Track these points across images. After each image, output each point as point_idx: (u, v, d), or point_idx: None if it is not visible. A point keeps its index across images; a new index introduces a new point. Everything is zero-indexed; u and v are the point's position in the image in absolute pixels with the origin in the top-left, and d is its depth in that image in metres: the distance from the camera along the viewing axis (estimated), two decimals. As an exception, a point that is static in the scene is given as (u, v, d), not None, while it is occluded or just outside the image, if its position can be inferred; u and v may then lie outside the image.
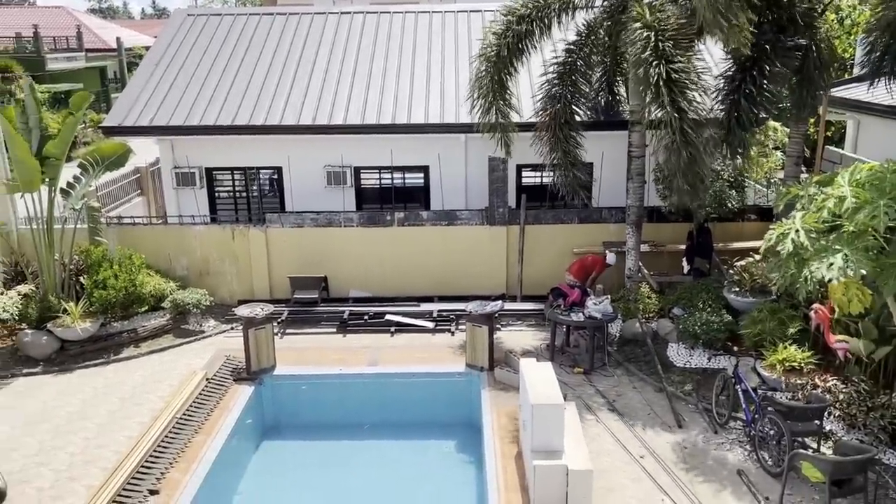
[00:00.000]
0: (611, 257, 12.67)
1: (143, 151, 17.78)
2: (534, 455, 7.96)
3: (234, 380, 10.96)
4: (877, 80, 10.45)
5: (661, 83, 9.99)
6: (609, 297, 11.85)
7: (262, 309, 11.02)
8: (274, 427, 10.89)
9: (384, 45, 16.54)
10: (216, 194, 15.40)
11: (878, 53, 10.20)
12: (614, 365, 11.59)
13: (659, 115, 10.22)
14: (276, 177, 15.28)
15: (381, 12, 17.77)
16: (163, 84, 15.40)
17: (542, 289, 13.12)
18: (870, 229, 7.37)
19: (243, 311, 10.97)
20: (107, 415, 10.29)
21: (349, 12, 17.89)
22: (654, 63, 10.04)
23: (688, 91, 10.16)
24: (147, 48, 23.40)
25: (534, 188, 15.01)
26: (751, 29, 9.67)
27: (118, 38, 45.38)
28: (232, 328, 13.06)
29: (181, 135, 14.62)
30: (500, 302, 12.18)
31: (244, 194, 15.42)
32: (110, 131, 14.77)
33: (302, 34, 16.95)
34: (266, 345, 11.05)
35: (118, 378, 11.40)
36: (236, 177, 15.33)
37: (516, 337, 12.64)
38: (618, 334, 12.33)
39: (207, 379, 10.85)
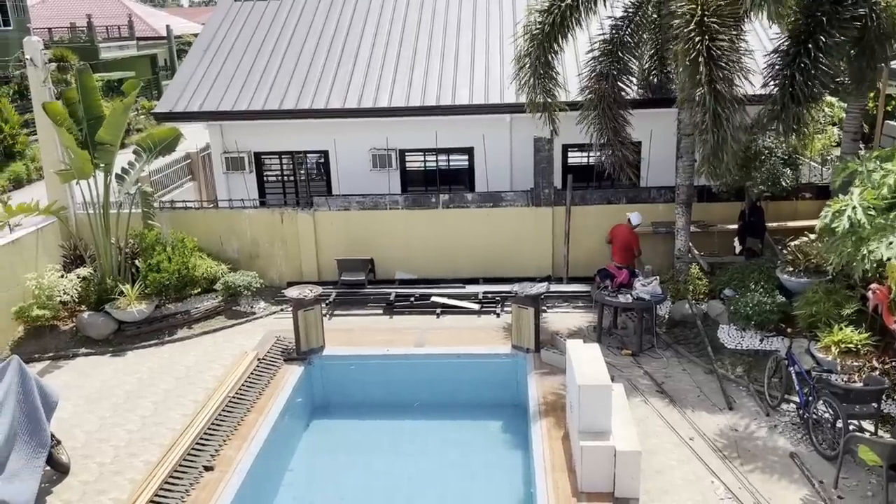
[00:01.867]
0: (634, 217, 12.40)
1: (194, 137, 18.14)
2: (581, 436, 7.93)
3: (285, 360, 11.17)
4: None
5: (700, 60, 9.73)
6: (658, 278, 11.68)
7: (311, 290, 11.18)
8: (323, 406, 11.09)
9: (428, 25, 16.49)
10: (265, 178, 15.65)
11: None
12: (663, 347, 11.44)
13: (695, 93, 9.97)
14: (322, 160, 15.44)
15: (425, -7, 17.69)
16: (211, 70, 15.65)
17: (589, 270, 12.99)
18: (933, 206, 7.10)
19: (292, 292, 11.15)
20: (162, 393, 10.61)
21: (393, -6, 17.86)
22: (697, 39, 9.79)
23: (727, 71, 9.88)
24: (196, 35, 23.78)
25: (580, 168, 14.85)
26: (803, 0, 9.32)
27: (168, 27, 46.28)
28: (282, 309, 13.30)
29: (230, 120, 14.87)
30: (545, 283, 12.12)
31: (292, 178, 15.63)
32: (162, 117, 15.11)
33: (346, 18, 17.01)
34: (315, 326, 11.22)
35: (173, 358, 11.73)
36: (284, 161, 15.54)
37: (563, 319, 12.58)
38: (666, 316, 12.16)
39: (259, 359, 11.08)
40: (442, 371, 11.11)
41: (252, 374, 10.71)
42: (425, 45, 15.86)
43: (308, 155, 15.50)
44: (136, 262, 13.30)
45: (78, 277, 12.91)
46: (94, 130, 12.71)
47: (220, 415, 9.62)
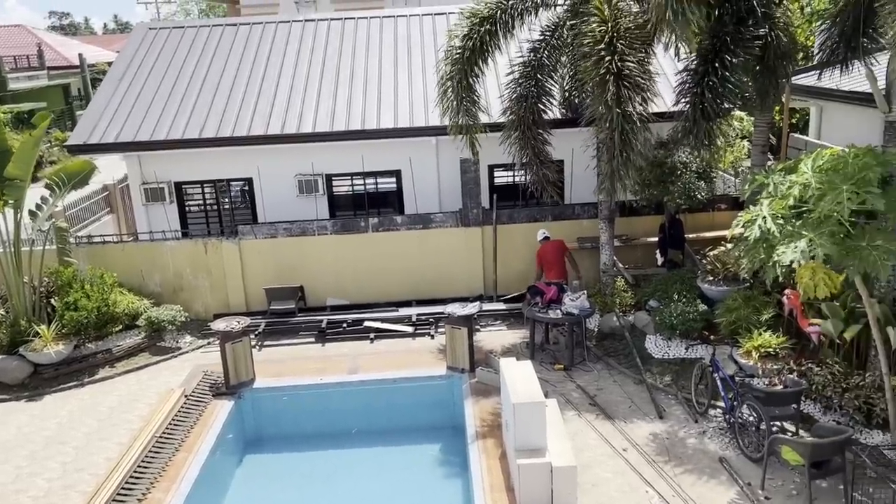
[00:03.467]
0: (539, 233, 12.77)
1: (111, 168, 17.56)
2: (517, 454, 7.98)
3: (214, 395, 10.85)
4: (831, 68, 10.61)
5: (609, 79, 10.08)
6: (585, 292, 11.93)
7: (239, 322, 10.92)
8: (256, 441, 10.80)
9: (350, 50, 16.50)
10: (187, 208, 15.24)
11: (832, 41, 10.38)
12: (594, 360, 11.66)
13: (601, 110, 10.33)
14: (246, 188, 15.16)
15: (346, 18, 17.73)
16: (127, 99, 15.21)
17: (520, 287, 13.17)
18: (835, 214, 7.50)
19: (219, 325, 10.87)
20: (84, 437, 10.13)
21: (314, 20, 17.83)
22: (607, 59, 10.14)
23: (634, 90, 10.26)
24: (110, 64, 23.11)
25: (506, 188, 15.06)
26: (709, 22, 9.76)
27: (80, 55, 44.75)
28: (209, 343, 12.94)
29: (148, 150, 14.45)
30: (477, 303, 12.22)
31: (215, 207, 15.28)
32: (76, 150, 14.55)
33: (267, 43, 16.85)
34: (244, 358, 10.95)
35: (94, 400, 11.23)
36: (206, 190, 15.19)
37: (496, 337, 12.68)
38: (596, 329, 12.41)
39: (186, 395, 10.73)
40: (378, 397, 11.00)
41: (179, 411, 10.35)
42: (348, 70, 15.85)
43: (231, 183, 15.20)
44: (52, 300, 12.72)
45: (-12, 320, 12.25)
46: (2, 165, 12.15)
47: (146, 456, 9.24)
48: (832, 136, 15.66)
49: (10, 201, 12.31)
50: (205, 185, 15.12)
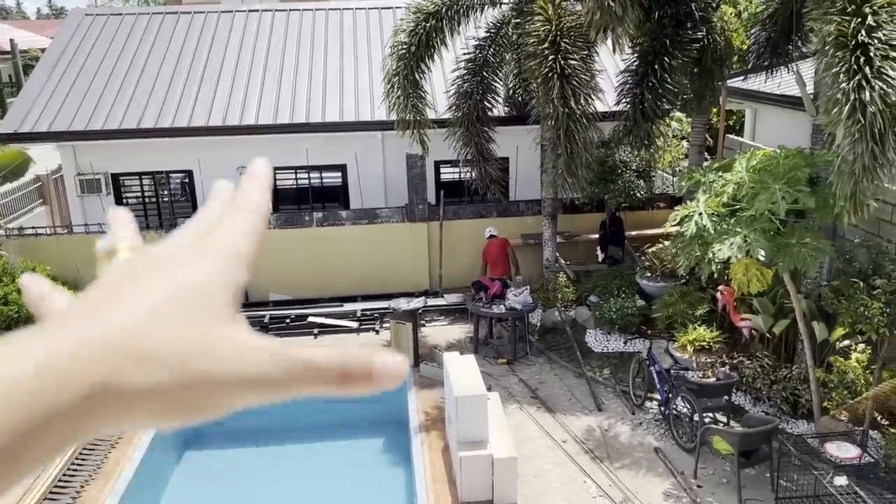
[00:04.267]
0: (486, 231, 12.99)
1: (44, 158, 16.96)
2: (459, 446, 8.07)
3: (152, 391, 10.60)
4: (767, 71, 11.02)
5: (553, 77, 10.27)
6: (528, 287, 12.10)
7: (178, 317, 10.68)
8: (195, 437, 10.59)
9: (295, 42, 16.31)
10: (125, 201, 14.84)
11: (760, 46, 10.79)
12: (536, 354, 11.85)
13: (547, 109, 10.51)
14: (186, 180, 14.85)
15: (291, 10, 17.51)
16: (62, 87, 14.71)
17: (465, 282, 13.26)
18: (767, 212, 7.81)
19: (158, 319, 10.60)
20: (14, 436, 9.78)
21: (257, 10, 17.55)
22: (551, 57, 10.32)
23: (578, 88, 10.47)
24: (44, 50, 22.28)
25: (453, 184, 15.14)
26: (646, 25, 10.02)
27: (12, 40, 42.98)
28: (147, 338, 12.62)
29: (83, 140, 14.01)
30: (422, 298, 12.27)
31: (154, 200, 14.92)
32: (6, 138, 14.03)
33: (209, 33, 16.52)
34: (184, 353, 10.73)
35: (25, 397, 10.85)
36: (145, 182, 14.82)
37: (441, 332, 12.75)
38: (538, 324, 12.61)
39: (123, 392, 10.46)
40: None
41: (116, 408, 10.08)
42: (293, 62, 15.67)
43: (171, 175, 14.87)
44: (-20, 294, 12.23)
45: None
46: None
47: (79, 454, 9.00)
48: (765, 137, 16.24)
49: (-65, 191, 11.80)
50: (143, 176, 14.75)
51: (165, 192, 14.90)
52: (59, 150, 14.51)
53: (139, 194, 14.87)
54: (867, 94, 7.04)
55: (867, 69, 7.14)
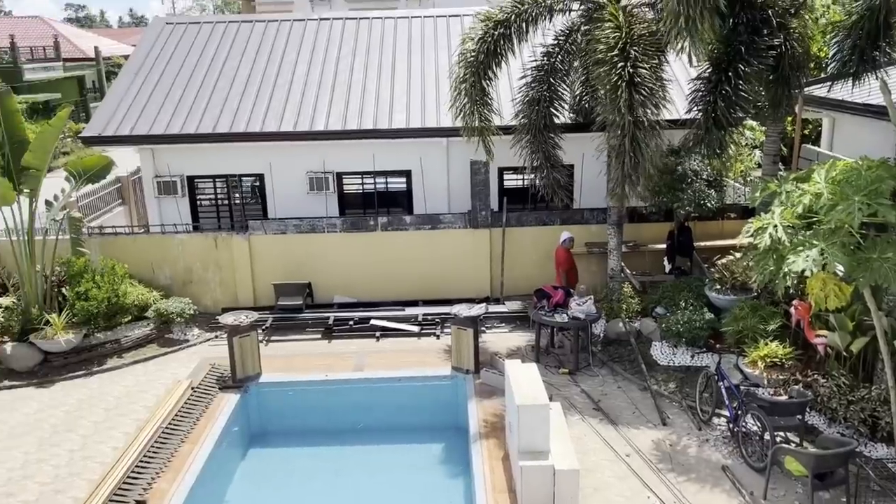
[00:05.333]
0: (563, 235, 12.83)
1: (125, 160, 17.67)
2: (520, 456, 8.01)
3: (220, 388, 10.92)
4: (845, 80, 10.59)
5: (621, 85, 10.11)
6: (592, 297, 11.94)
7: (247, 316, 10.99)
8: (261, 434, 10.86)
9: (364, 50, 16.57)
10: (198, 202, 15.34)
11: (845, 53, 10.38)
12: (599, 365, 11.67)
13: (613, 117, 10.35)
14: (258, 184, 15.24)
15: (361, 18, 17.81)
16: (142, 93, 15.33)
17: (527, 290, 13.19)
18: (846, 225, 7.50)
19: (227, 318, 10.94)
20: (91, 426, 10.22)
21: (328, 19, 17.91)
22: (620, 65, 10.17)
23: (646, 96, 10.28)
24: (126, 57, 23.27)
25: (516, 191, 15.09)
26: (722, 31, 9.77)
27: (96, 48, 45.08)
28: (216, 336, 13.02)
29: (162, 143, 14.55)
30: (484, 304, 12.25)
31: (226, 202, 15.37)
32: (91, 141, 14.70)
33: (282, 41, 16.95)
34: (251, 352, 11.02)
35: (102, 389, 11.32)
36: (218, 184, 15.28)
37: (502, 339, 12.71)
38: (602, 334, 12.42)
39: (192, 388, 10.81)
40: (382, 395, 11.04)
41: (186, 403, 10.43)
42: (362, 69, 15.92)
43: (243, 178, 15.29)
44: (64, 290, 12.83)
45: (0, 307, 12.36)
46: (18, 155, 12.28)
47: (152, 447, 9.32)
48: (844, 147, 15.63)
49: (26, 190, 12.43)
50: (217, 179, 15.22)
51: (237, 195, 15.33)
52: (138, 152, 15.11)
53: (212, 196, 15.34)
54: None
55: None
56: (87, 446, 9.70)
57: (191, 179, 15.11)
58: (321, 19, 17.85)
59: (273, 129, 14.33)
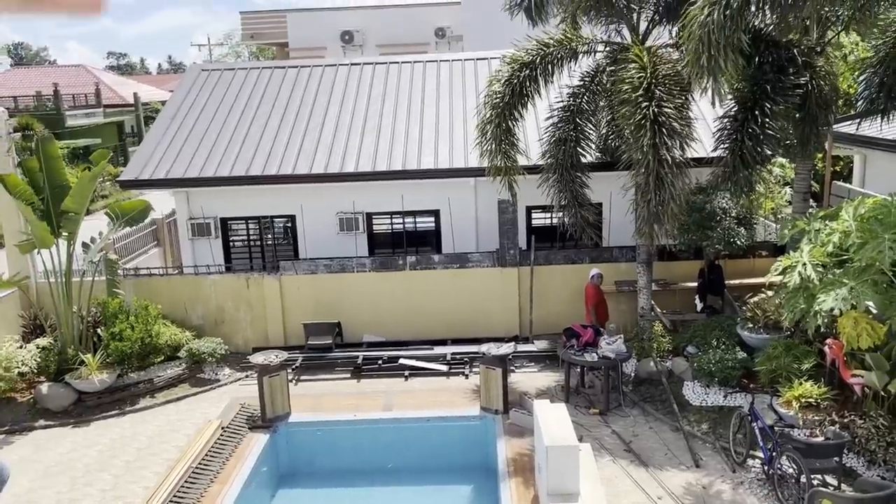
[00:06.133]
0: (592, 272, 12.80)
1: (160, 203, 18.14)
2: (549, 498, 7.91)
3: (250, 428, 10.99)
4: (873, 117, 10.53)
5: (645, 124, 10.18)
6: (622, 336, 11.85)
7: (277, 356, 11.10)
8: (290, 475, 10.87)
9: (393, 93, 16.92)
10: (231, 243, 15.66)
11: (872, 90, 10.35)
12: (630, 405, 11.53)
13: (638, 155, 10.39)
14: (289, 224, 15.52)
15: (391, 63, 18.22)
16: (178, 137, 15.80)
17: (556, 329, 13.14)
18: (877, 263, 7.41)
19: (258, 358, 11.05)
20: (123, 466, 10.34)
21: (359, 63, 18.36)
22: (644, 104, 10.24)
23: (671, 136, 10.32)
24: (163, 102, 24.05)
25: (544, 229, 15.14)
26: (748, 70, 9.81)
27: (135, 94, 46.59)
28: (247, 376, 13.14)
29: (196, 186, 14.94)
30: (512, 343, 12.21)
31: (258, 243, 15.65)
32: (128, 185, 15.13)
33: (314, 85, 17.39)
34: (280, 392, 11.10)
35: (135, 429, 11.47)
36: (251, 226, 15.59)
37: (531, 378, 12.63)
38: (633, 374, 12.28)
39: (223, 428, 10.89)
40: (411, 435, 11.00)
41: (216, 443, 10.50)
42: (391, 112, 16.24)
43: (275, 220, 15.59)
44: (99, 330, 13.11)
45: (37, 347, 12.66)
46: (58, 198, 12.69)
47: (182, 486, 9.37)
48: (876, 184, 15.44)
49: (66, 233, 12.81)
50: (249, 221, 15.53)
51: (269, 236, 15.61)
52: (173, 195, 15.53)
53: (245, 237, 15.64)
54: None
55: None
56: (118, 486, 9.81)
57: (224, 221, 15.44)
58: (352, 64, 18.31)
59: (304, 172, 14.64)
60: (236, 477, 9.68)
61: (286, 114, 16.40)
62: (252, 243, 15.68)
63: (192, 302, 14.28)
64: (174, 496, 9.15)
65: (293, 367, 13.14)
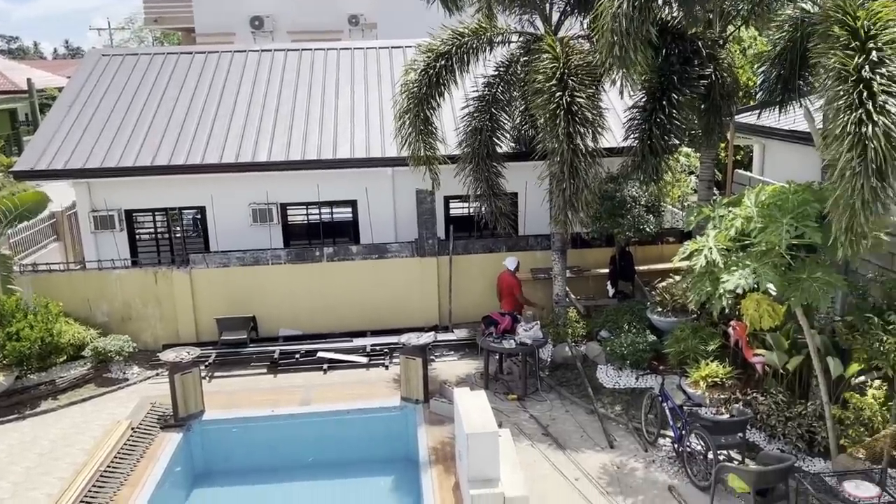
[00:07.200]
0: (509, 262, 12.95)
1: (59, 195, 17.16)
2: (470, 484, 7.98)
3: (161, 427, 10.60)
4: (771, 108, 11.07)
5: (559, 113, 10.36)
6: (539, 322, 12.06)
7: (189, 352, 10.73)
8: (205, 474, 10.55)
9: (307, 81, 16.57)
10: (137, 237, 14.98)
11: (771, 83, 10.88)
12: (547, 390, 11.76)
13: (553, 145, 10.59)
14: (199, 216, 14.98)
15: (303, 49, 17.82)
16: (78, 125, 14.97)
17: (475, 317, 13.24)
18: (776, 247, 7.80)
19: (168, 355, 10.66)
20: (23, 472, 9.76)
21: (270, 50, 17.87)
22: (558, 94, 10.42)
23: (584, 125, 10.55)
24: (60, 89, 22.71)
25: (463, 219, 15.20)
26: (655, 62, 10.12)
27: (29, 80, 43.80)
28: (157, 374, 12.66)
29: (98, 177, 14.19)
30: (432, 333, 12.23)
31: (167, 236, 15.04)
32: (22, 175, 14.22)
33: (223, 72, 16.82)
34: (193, 389, 10.74)
35: (35, 433, 10.85)
36: (158, 218, 14.96)
37: (450, 367, 12.70)
38: (549, 359, 12.54)
39: (133, 428, 10.46)
40: (331, 428, 10.88)
41: (126, 444, 10.07)
42: (304, 100, 15.90)
43: (183, 211, 15.02)
44: (-7, 330, 12.31)
45: (-77, 350, 11.79)
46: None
47: (89, 492, 8.96)
48: (775, 172, 16.25)
49: (-48, 228, 11.96)
50: (156, 213, 14.90)
51: (178, 228, 15.03)
52: (73, 187, 14.71)
53: (152, 230, 15.00)
54: (869, 128, 7.08)
55: (870, 104, 7.18)
56: (17, 493, 9.26)
57: (129, 213, 14.75)
58: (263, 51, 17.80)
59: (214, 161, 14.15)
60: (148, 478, 9.33)
61: (194, 101, 15.79)
62: (160, 236, 15.05)
63: (96, 298, 13.60)
64: (81, 501, 8.73)
65: (206, 363, 12.74)
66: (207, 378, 12.37)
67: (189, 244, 14.94)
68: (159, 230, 15.00)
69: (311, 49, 17.84)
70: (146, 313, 13.75)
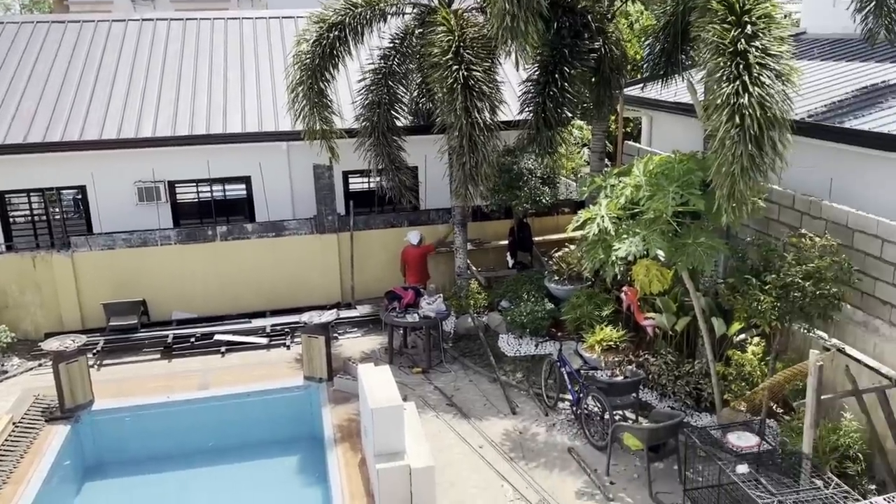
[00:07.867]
0: (412, 236, 13.08)
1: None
2: (377, 459, 7.99)
3: (47, 420, 10.00)
4: (656, 80, 11.49)
5: (456, 87, 10.38)
6: (441, 295, 12.14)
7: (74, 340, 10.15)
8: (97, 466, 10.07)
9: (192, 52, 15.79)
10: (11, 219, 13.91)
11: (655, 56, 11.28)
12: (451, 361, 11.90)
13: (451, 119, 10.62)
14: (79, 196, 14.07)
15: (188, 19, 16.95)
16: (-65, 100, 13.69)
17: (378, 293, 13.17)
18: (663, 214, 8.15)
19: (51, 344, 10.04)
20: None
21: (151, 19, 16.91)
22: (455, 68, 10.42)
23: (481, 98, 10.61)
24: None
25: (363, 194, 15.01)
26: (547, 35, 10.26)
27: None
28: (40, 364, 11.91)
29: (-37, 156, 13.07)
30: (334, 311, 12.11)
31: (44, 218, 14.06)
32: None
33: (100, 43, 15.77)
34: (80, 379, 10.17)
35: None
36: (33, 199, 13.94)
37: (355, 344, 12.62)
38: (452, 331, 12.67)
39: (14, 423, 9.82)
40: (231, 412, 10.60)
41: (7, 440, 9.45)
42: (191, 73, 15.16)
43: (62, 192, 14.06)
44: None
45: None
46: None
47: (-34, 494, 8.36)
48: (662, 143, 16.92)
49: None
50: (31, 193, 13.87)
51: (57, 210, 14.08)
52: (-66, 167, 13.47)
53: (28, 212, 13.97)
54: (745, 98, 7.46)
55: (746, 76, 7.57)
56: None
57: (1, 194, 13.68)
58: (143, 20, 16.81)
59: (93, 137, 13.29)
60: (34, 475, 8.81)
61: (69, 73, 14.74)
62: (37, 218, 14.04)
63: (-35, 287, 12.61)
64: (-43, 506, 8.14)
65: (94, 351, 12.10)
66: (96, 366, 11.77)
67: (70, 226, 14.02)
68: (35, 212, 14.00)
69: (196, 18, 16.98)
70: (24, 300, 12.88)
